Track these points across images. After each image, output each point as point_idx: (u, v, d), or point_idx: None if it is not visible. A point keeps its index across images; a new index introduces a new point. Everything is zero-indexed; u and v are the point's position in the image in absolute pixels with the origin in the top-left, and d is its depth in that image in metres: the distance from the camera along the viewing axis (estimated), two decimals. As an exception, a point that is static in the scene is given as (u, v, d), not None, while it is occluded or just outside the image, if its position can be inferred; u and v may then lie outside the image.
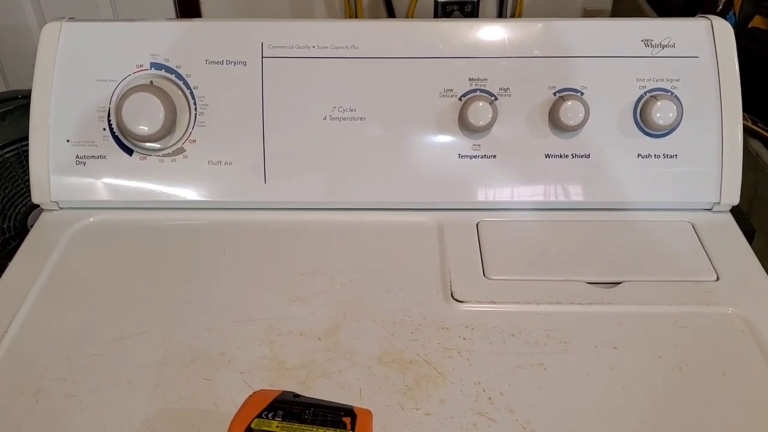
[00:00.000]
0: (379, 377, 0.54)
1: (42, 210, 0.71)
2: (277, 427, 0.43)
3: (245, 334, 0.58)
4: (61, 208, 0.71)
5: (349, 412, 0.45)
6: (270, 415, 0.44)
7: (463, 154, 0.68)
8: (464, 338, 0.56)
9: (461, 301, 0.59)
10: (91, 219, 0.70)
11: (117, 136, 0.68)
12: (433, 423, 0.50)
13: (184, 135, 0.68)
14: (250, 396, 0.46)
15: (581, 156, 0.67)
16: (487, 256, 0.63)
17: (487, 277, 0.61)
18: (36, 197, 0.70)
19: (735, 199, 0.67)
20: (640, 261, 0.63)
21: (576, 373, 0.53)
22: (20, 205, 1.16)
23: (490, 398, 0.52)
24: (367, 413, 0.46)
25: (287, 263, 0.65)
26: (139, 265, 0.65)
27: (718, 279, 0.61)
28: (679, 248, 0.64)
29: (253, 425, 0.43)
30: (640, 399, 0.51)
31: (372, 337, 0.57)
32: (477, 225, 0.67)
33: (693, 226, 0.67)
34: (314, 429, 0.43)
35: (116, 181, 0.69)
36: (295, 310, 0.60)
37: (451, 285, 0.61)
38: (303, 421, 0.43)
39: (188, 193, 0.70)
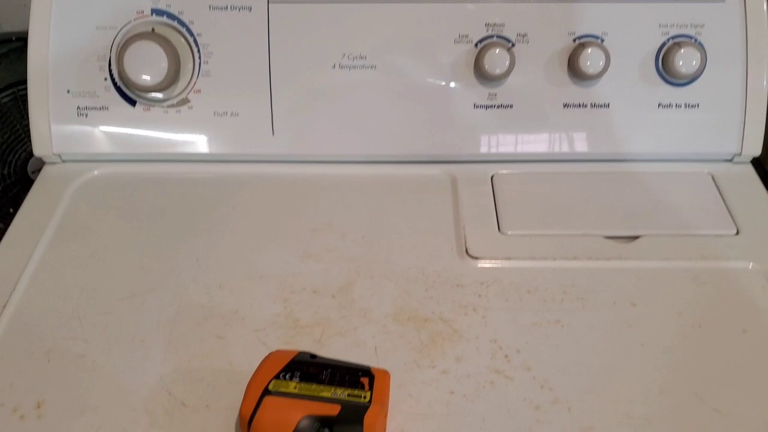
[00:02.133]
0: (395, 335, 0.53)
1: (45, 164, 0.70)
2: (295, 387, 0.42)
3: (258, 291, 0.57)
4: (63, 161, 0.69)
5: (367, 372, 0.44)
6: (287, 376, 0.43)
7: (478, 103, 0.65)
8: (480, 295, 0.55)
9: (476, 258, 0.58)
10: (96, 172, 0.68)
11: (119, 86, 0.66)
12: (450, 381, 0.50)
13: (188, 85, 0.66)
14: (266, 357, 0.46)
15: (600, 106, 0.65)
16: (502, 211, 0.62)
17: (502, 232, 0.60)
18: (38, 150, 0.68)
19: (757, 149, 0.65)
20: (658, 214, 0.62)
21: (594, 331, 0.53)
22: (20, 151, 1.14)
23: (506, 356, 0.51)
24: (385, 373, 0.45)
25: (298, 218, 0.63)
26: (147, 220, 0.64)
27: (738, 233, 0.60)
28: (699, 201, 0.63)
29: (270, 386, 0.42)
30: (659, 357, 0.51)
31: (386, 294, 0.56)
32: (492, 178, 0.66)
33: (713, 178, 0.65)
34: (332, 389, 0.42)
35: (120, 133, 0.67)
36: (307, 267, 0.59)
37: (465, 241, 0.59)
38: (320, 382, 0.43)
39: (194, 146, 0.68)
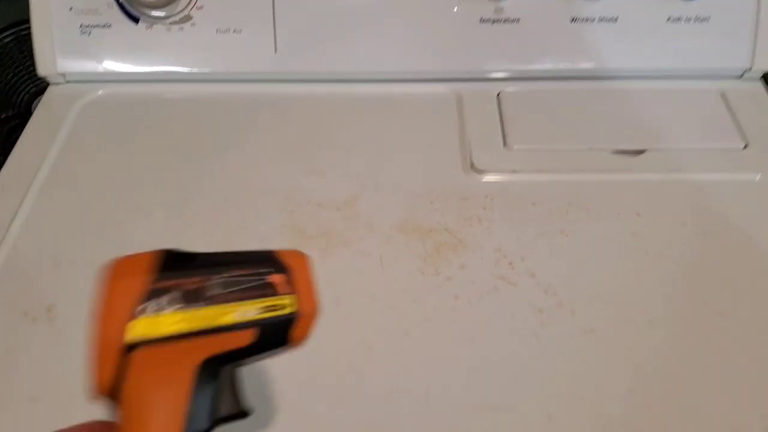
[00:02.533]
0: (399, 245, 0.53)
1: (48, 84, 0.69)
2: (176, 322, 0.27)
3: (263, 204, 0.57)
4: (67, 82, 0.69)
5: (275, 262, 0.30)
6: (157, 304, 0.27)
7: (484, 17, 0.64)
8: (484, 207, 0.55)
9: (481, 171, 0.58)
10: (100, 92, 0.68)
11: (121, 3, 0.65)
12: (454, 287, 0.50)
13: (190, 1, 0.65)
14: (110, 268, 0.30)
15: (608, 20, 0.64)
16: (508, 127, 0.62)
17: (507, 147, 0.60)
18: (41, 69, 0.68)
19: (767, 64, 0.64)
20: (666, 129, 0.61)
21: (598, 240, 0.53)
22: (23, 92, 1.13)
23: (510, 263, 0.51)
24: (300, 257, 0.31)
25: (302, 136, 0.63)
26: (152, 139, 0.64)
27: (746, 146, 0.59)
28: (707, 116, 0.62)
29: (129, 338, 0.26)
30: (664, 265, 0.51)
31: (391, 207, 0.56)
32: (498, 95, 0.65)
33: (722, 94, 0.64)
34: (233, 308, 0.28)
35: (123, 51, 0.67)
36: (312, 182, 0.59)
37: (470, 155, 0.59)
38: (212, 301, 0.27)
39: (197, 64, 0.67)
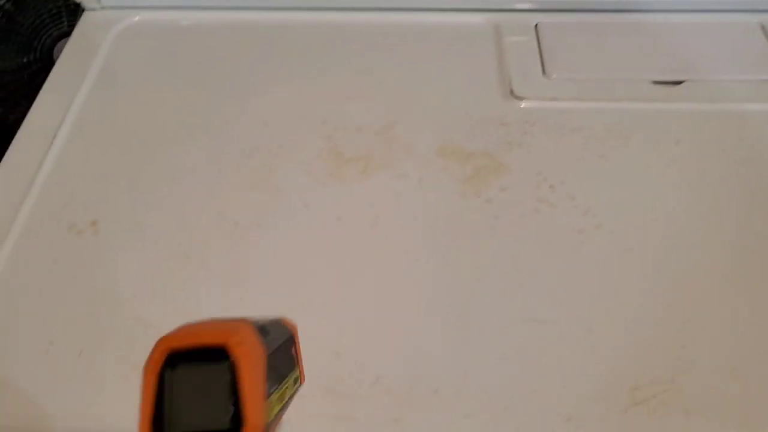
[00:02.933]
0: (438, 168, 0.54)
1: (83, 10, 0.69)
2: (277, 405, 0.28)
3: (302, 128, 0.57)
4: (103, 8, 0.68)
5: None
6: (269, 387, 0.26)
7: (524, -54, 0.64)
8: (525, 132, 0.56)
9: (521, 98, 0.58)
10: (136, 18, 0.68)
11: (158, -74, 0.64)
12: (494, 209, 0.51)
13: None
14: (240, 354, 0.24)
15: (650, -50, 0.63)
16: (547, 56, 0.61)
17: (547, 76, 0.60)
18: (77, -7, 0.67)
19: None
20: (705, 61, 0.60)
21: (637, 165, 0.53)
22: (45, 37, 1.13)
23: (551, 186, 0.52)
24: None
25: (340, 63, 0.63)
26: (188, 66, 0.64)
27: (787, 78, 0.59)
28: (746, 48, 0.62)
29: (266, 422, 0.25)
30: (702, 188, 0.51)
31: (429, 132, 0.56)
32: (535, 26, 0.64)
33: (762, 26, 0.63)
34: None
35: (160, -24, 0.66)
36: (350, 107, 0.59)
37: (510, 83, 0.59)
38: (279, 381, 0.28)
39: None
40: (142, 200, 0.53)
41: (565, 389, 0.41)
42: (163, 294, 0.47)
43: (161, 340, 0.24)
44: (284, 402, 0.29)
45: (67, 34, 0.69)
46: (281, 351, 0.29)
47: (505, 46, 0.62)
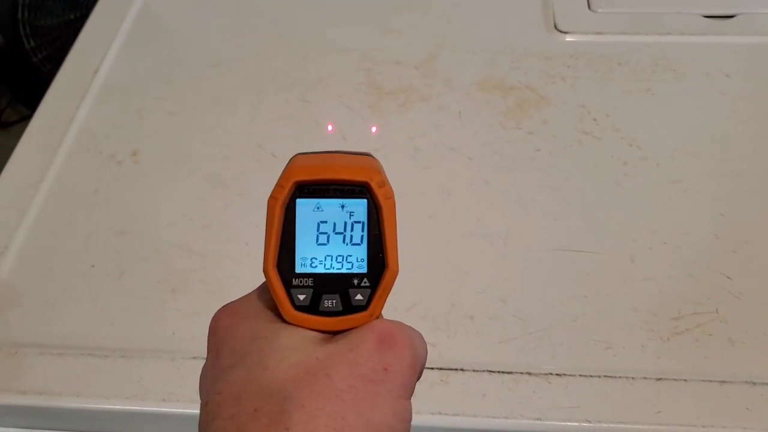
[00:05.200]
0: (479, 101, 0.53)
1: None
2: None
3: (340, 62, 0.57)
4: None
5: None
6: None
7: None
8: (568, 66, 0.54)
9: (565, 32, 0.56)
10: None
11: None
12: (536, 140, 0.50)
13: None
14: None
15: None
16: (593, -10, 0.59)
17: (592, 10, 0.58)
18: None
19: None
20: (760, -6, 0.58)
21: (685, 98, 0.51)
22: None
23: (595, 119, 0.50)
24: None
25: (378, -1, 0.62)
26: (228, 1, 0.64)
27: None
28: (805, -18, 0.59)
29: None
30: (752, 121, 0.49)
31: (470, 65, 0.55)
32: (581, -40, 0.62)
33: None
34: None
35: None
36: (389, 41, 0.58)
37: (554, 16, 0.57)
38: None
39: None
40: (181, 131, 0.53)
41: (604, 318, 0.41)
42: (202, 221, 0.47)
43: (292, 173, 0.21)
44: None
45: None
46: None
47: (550, -19, 0.61)
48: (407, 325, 0.22)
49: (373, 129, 0.51)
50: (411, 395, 0.21)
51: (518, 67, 0.54)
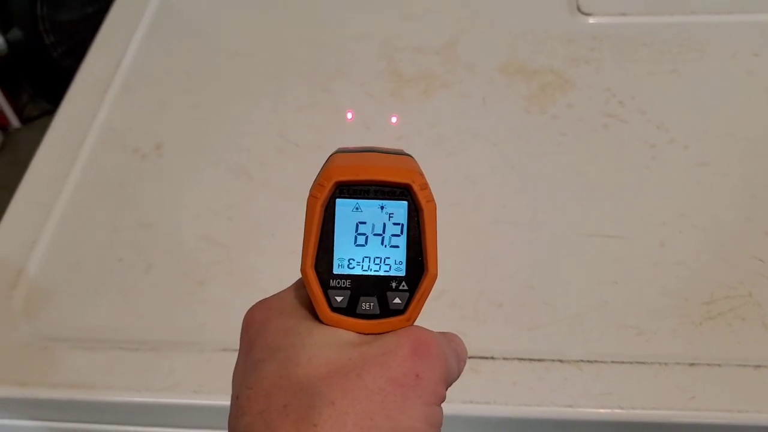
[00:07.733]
0: (502, 86, 0.52)
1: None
2: None
3: (360, 50, 0.56)
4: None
5: None
6: None
7: None
8: (592, 49, 0.53)
9: (588, 14, 0.56)
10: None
11: None
12: (561, 125, 0.49)
13: None
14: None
15: None
16: (615, -29, 0.58)
17: (615, -10, 0.57)
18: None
19: None
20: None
21: (712, 78, 0.50)
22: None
23: (620, 102, 0.50)
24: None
25: (397, -16, 0.61)
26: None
27: None
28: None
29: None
30: (784, 102, 0.48)
31: (492, 49, 0.55)
32: (603, -60, 0.61)
33: None
34: None
35: None
36: (409, 27, 0.57)
37: (576, -2, 0.57)
38: None
39: None
40: (204, 123, 0.53)
41: (635, 303, 0.40)
42: (227, 213, 0.47)
43: (332, 172, 0.21)
44: None
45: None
46: None
47: (571, -38, 0.60)
48: (444, 339, 0.22)
49: (393, 119, 0.51)
50: (442, 402, 0.21)
51: (540, 51, 0.54)
